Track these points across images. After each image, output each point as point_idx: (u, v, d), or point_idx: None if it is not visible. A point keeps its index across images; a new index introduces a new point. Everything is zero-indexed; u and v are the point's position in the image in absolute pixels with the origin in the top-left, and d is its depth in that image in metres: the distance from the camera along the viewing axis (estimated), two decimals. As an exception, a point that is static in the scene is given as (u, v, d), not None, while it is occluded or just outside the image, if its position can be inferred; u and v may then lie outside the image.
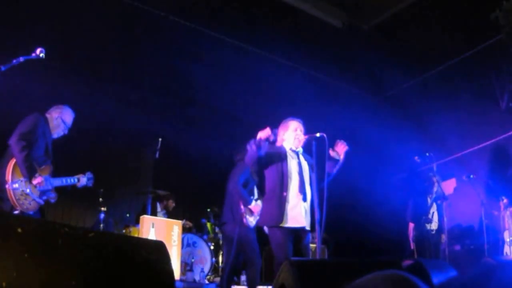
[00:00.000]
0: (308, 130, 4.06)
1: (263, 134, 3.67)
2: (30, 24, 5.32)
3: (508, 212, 6.06)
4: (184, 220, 6.38)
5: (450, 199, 6.10)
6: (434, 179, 5.95)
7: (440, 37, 6.57)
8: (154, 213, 6.25)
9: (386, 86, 7.89)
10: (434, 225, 6.05)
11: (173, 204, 6.76)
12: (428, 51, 6.87)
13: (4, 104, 4.90)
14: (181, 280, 5.35)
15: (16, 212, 3.89)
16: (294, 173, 3.86)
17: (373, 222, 7.30)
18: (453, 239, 6.69)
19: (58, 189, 4.26)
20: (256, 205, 4.85)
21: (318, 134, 3.89)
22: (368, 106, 7.67)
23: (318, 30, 6.64)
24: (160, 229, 4.78)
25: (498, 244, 6.11)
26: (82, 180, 4.42)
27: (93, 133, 6.49)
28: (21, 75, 4.29)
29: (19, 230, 1.56)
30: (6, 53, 3.53)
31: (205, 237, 6.29)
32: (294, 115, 4.17)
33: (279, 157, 3.88)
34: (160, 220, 5.31)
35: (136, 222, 5.80)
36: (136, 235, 5.09)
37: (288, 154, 3.94)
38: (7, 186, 3.88)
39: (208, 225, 6.67)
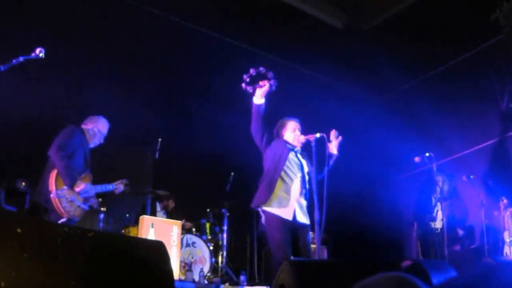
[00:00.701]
0: (308, 130, 4.06)
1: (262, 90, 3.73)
2: (30, 24, 5.31)
3: (508, 212, 6.04)
4: (183, 221, 6.38)
5: (450, 199, 6.09)
6: (439, 179, 5.94)
7: (440, 37, 6.57)
8: (153, 213, 6.24)
9: (386, 86, 7.89)
10: (438, 224, 6.03)
11: (173, 204, 6.75)
12: (428, 51, 6.87)
13: (4, 104, 4.90)
14: (190, 281, 5.38)
15: (63, 220, 4.07)
16: (295, 168, 3.88)
17: (374, 223, 7.30)
18: (453, 239, 6.68)
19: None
20: None
21: (318, 135, 3.89)
22: (368, 106, 7.67)
23: (318, 31, 6.64)
24: (159, 229, 4.77)
25: (498, 244, 6.10)
26: (120, 186, 4.67)
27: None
28: (21, 74, 4.29)
29: (19, 230, 1.55)
30: (5, 53, 3.52)
31: (204, 237, 6.28)
32: (295, 115, 4.17)
33: (281, 144, 3.91)
34: (160, 220, 5.30)
35: (136, 222, 5.79)
36: (135, 235, 5.08)
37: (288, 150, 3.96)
38: (52, 195, 4.06)
39: (208, 225, 6.65)
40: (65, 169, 4.11)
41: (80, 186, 4.20)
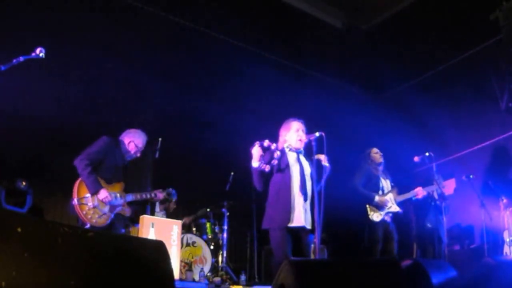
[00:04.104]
0: (308, 130, 4.07)
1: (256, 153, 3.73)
2: (30, 23, 5.31)
3: (508, 212, 6.05)
4: (184, 219, 6.38)
5: (450, 199, 6.09)
6: (434, 179, 5.94)
7: (440, 37, 6.56)
8: (152, 214, 6.22)
9: (386, 86, 7.88)
10: (431, 224, 6.03)
11: (174, 206, 6.73)
12: (427, 51, 6.87)
13: (4, 104, 4.90)
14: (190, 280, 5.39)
15: (86, 227, 4.12)
16: (295, 174, 3.88)
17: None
18: (453, 239, 6.68)
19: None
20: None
21: (317, 134, 3.90)
22: (367, 106, 7.67)
23: (317, 30, 6.64)
24: (159, 228, 4.77)
25: (498, 244, 6.11)
26: (159, 195, 4.83)
27: (93, 133, 6.47)
28: (21, 74, 4.29)
29: (19, 229, 1.56)
30: (6, 53, 3.52)
31: (204, 237, 6.28)
32: (293, 114, 4.18)
33: (282, 162, 3.91)
34: (160, 220, 5.30)
35: (136, 222, 5.79)
36: (135, 235, 5.08)
37: (289, 155, 3.96)
38: (73, 202, 4.16)
39: (208, 225, 6.64)
40: (88, 177, 4.19)
41: (103, 194, 4.24)
